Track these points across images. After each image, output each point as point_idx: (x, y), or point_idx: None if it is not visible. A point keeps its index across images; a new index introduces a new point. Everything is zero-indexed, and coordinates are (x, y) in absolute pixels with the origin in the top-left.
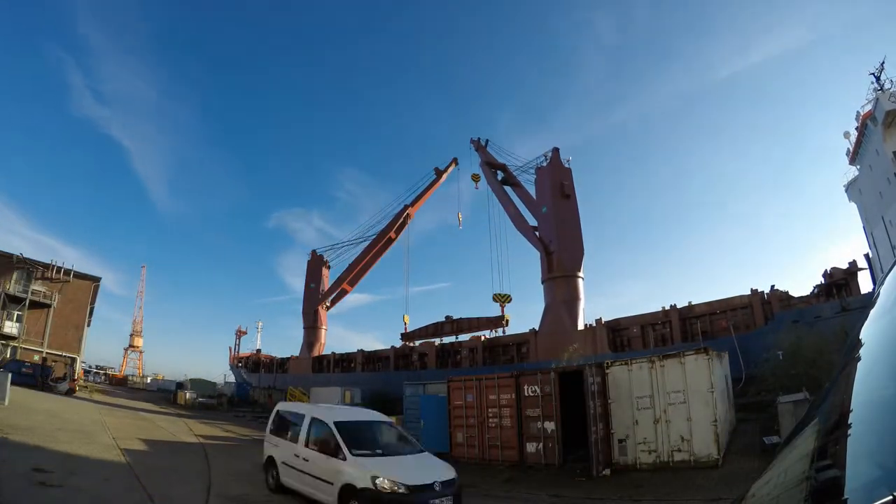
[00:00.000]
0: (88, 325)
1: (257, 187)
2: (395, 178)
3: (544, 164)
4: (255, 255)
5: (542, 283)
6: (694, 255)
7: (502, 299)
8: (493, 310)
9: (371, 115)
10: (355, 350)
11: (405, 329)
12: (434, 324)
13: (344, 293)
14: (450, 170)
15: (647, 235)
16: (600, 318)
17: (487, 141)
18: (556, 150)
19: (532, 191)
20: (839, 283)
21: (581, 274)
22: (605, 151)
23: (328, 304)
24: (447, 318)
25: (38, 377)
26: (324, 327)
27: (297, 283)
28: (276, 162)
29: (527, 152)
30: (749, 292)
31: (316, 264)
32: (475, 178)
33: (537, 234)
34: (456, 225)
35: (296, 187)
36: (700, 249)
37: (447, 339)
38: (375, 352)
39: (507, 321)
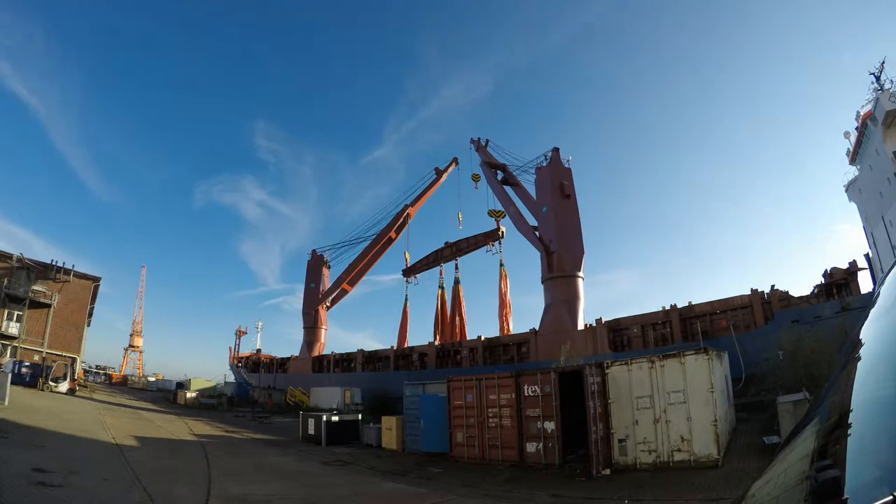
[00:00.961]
0: (88, 326)
1: (177, 155)
2: (315, 129)
3: (544, 163)
4: (210, 238)
5: (543, 282)
6: (684, 240)
7: (497, 214)
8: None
9: (273, 59)
10: (352, 349)
11: (406, 265)
12: (434, 252)
13: (344, 293)
14: (450, 169)
15: (632, 217)
16: (600, 318)
17: (487, 141)
18: (556, 150)
19: (532, 190)
20: (839, 282)
21: (581, 274)
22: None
23: (328, 304)
24: (446, 243)
25: (38, 377)
26: (324, 327)
27: (268, 274)
28: (183, 121)
29: (461, 89)
30: (749, 292)
31: (316, 264)
32: (475, 178)
33: (537, 234)
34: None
35: (215, 152)
36: (692, 234)
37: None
38: (375, 351)
39: (503, 233)
